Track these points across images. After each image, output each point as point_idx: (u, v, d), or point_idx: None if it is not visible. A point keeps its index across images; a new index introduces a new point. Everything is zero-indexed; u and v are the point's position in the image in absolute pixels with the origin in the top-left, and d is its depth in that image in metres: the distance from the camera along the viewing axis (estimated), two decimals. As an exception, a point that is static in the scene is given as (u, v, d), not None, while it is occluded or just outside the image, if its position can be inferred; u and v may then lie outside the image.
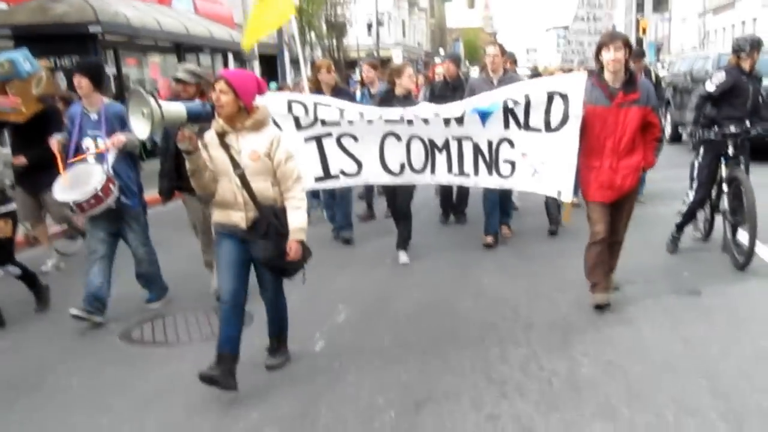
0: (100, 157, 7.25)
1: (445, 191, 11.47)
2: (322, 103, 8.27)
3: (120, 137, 7.18)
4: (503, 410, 5.20)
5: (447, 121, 8.13)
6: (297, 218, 5.59)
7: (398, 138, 8.36)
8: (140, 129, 5.29)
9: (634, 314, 7.07)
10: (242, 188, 5.47)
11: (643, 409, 5.10)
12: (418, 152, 8.43)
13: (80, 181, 7.07)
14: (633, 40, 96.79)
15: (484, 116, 7.98)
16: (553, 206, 10.49)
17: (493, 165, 8.21)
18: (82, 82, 7.22)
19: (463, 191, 11.40)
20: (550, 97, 7.53)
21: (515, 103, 7.77)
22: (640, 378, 5.59)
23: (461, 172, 8.41)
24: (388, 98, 9.34)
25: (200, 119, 5.50)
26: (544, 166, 7.76)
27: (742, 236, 8.45)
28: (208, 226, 7.41)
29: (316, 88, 9.96)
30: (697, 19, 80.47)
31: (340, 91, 10.15)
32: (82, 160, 7.27)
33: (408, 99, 9.25)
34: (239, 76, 5.55)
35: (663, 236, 9.32)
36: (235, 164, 5.43)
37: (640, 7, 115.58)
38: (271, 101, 7.37)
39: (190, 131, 5.26)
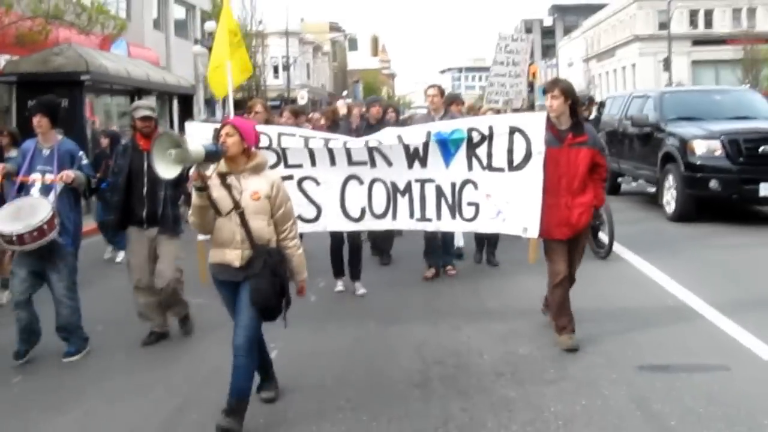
0: (46, 191, 7.28)
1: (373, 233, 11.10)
2: (286, 132, 8.26)
3: (69, 173, 7.27)
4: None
5: (411, 162, 8.14)
6: (300, 259, 5.93)
7: (360, 182, 8.27)
8: (165, 169, 5.38)
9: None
10: (241, 226, 5.65)
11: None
12: (379, 196, 8.29)
13: (23, 213, 6.99)
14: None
15: (447, 155, 8.05)
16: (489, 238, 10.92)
17: (456, 208, 8.12)
18: (42, 121, 7.37)
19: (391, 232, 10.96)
20: (512, 133, 7.72)
21: (480, 134, 7.88)
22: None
23: (423, 217, 8.26)
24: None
25: (214, 158, 5.62)
26: (509, 206, 7.82)
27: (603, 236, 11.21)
28: (151, 268, 7.91)
29: None
30: (582, 63, 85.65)
31: None
32: (27, 188, 7.32)
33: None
34: (243, 122, 5.94)
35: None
36: (236, 203, 5.65)
37: (531, 53, 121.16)
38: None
39: (203, 170, 5.51)
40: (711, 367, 6.73)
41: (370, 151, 8.14)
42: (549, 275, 7.53)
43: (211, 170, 5.64)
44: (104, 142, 13.20)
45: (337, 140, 8.30)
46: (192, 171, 5.67)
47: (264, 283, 5.57)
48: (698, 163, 14.08)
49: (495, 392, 6.33)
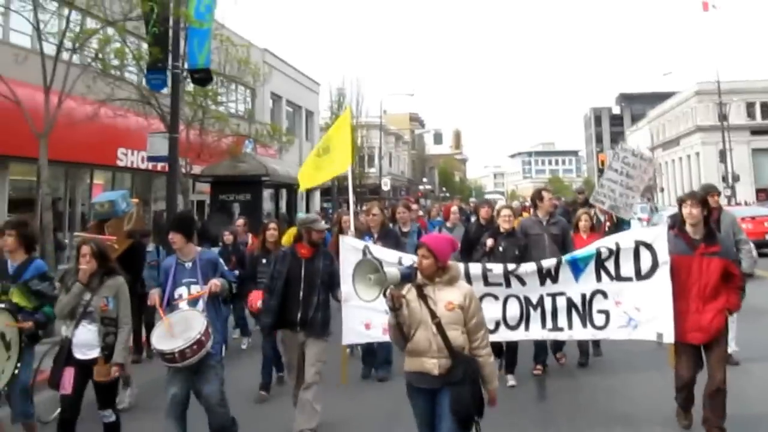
0: (194, 304, 7.37)
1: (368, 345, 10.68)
2: None
3: (217, 282, 7.39)
4: None
5: (543, 280, 8.46)
6: (492, 368, 5.98)
7: (495, 298, 8.55)
8: (365, 291, 5.84)
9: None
10: (438, 335, 5.82)
11: None
12: (513, 310, 8.55)
13: (178, 329, 7.04)
14: (595, 171, 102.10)
15: (577, 270, 8.37)
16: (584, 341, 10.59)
17: (587, 317, 8.33)
18: (175, 238, 7.53)
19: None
20: (637, 247, 8.05)
21: (608, 250, 8.26)
22: None
23: (555, 327, 8.48)
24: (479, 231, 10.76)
25: (409, 280, 5.97)
26: (639, 313, 8.02)
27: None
28: (301, 365, 8.19)
29: (367, 228, 10.75)
30: (648, 153, 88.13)
31: (388, 232, 10.88)
32: (176, 307, 7.41)
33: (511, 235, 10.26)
34: (437, 241, 6.18)
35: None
36: (433, 314, 5.85)
37: (599, 139, 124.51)
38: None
39: (398, 291, 5.86)
40: None
41: (507, 274, 8.59)
42: (675, 378, 7.73)
43: (405, 289, 5.98)
44: (229, 238, 13.55)
45: (477, 267, 8.72)
46: (387, 292, 5.87)
47: (464, 392, 5.74)
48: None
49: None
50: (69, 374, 7.21)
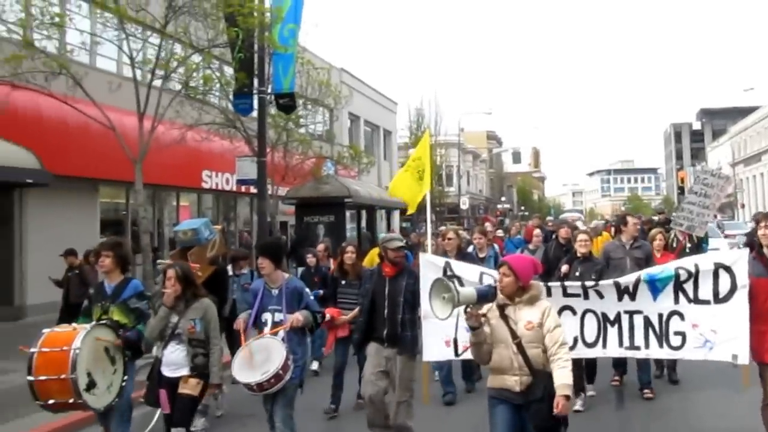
0: (275, 334, 7.49)
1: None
2: None
3: (299, 317, 7.51)
4: None
5: (620, 296, 8.46)
6: (564, 376, 5.92)
7: (573, 312, 8.55)
8: (440, 310, 6.00)
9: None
10: (518, 354, 5.96)
11: None
12: (591, 326, 8.57)
13: (258, 359, 7.24)
14: (674, 188, 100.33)
15: (655, 290, 8.35)
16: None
17: (663, 337, 8.33)
18: (264, 263, 7.70)
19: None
20: (717, 269, 8.04)
21: (687, 272, 8.23)
22: None
23: (632, 346, 8.50)
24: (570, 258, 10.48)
25: (486, 299, 6.06)
26: (716, 335, 8.01)
27: None
28: (383, 382, 8.41)
29: (443, 253, 10.60)
30: (729, 168, 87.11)
31: (464, 255, 10.88)
32: (261, 336, 7.52)
33: (587, 260, 10.34)
34: (519, 261, 6.31)
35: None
36: (513, 333, 5.98)
37: (679, 155, 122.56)
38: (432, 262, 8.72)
39: (476, 310, 5.96)
40: None
41: (585, 288, 8.65)
42: (764, 395, 7.63)
43: (485, 309, 6.10)
44: (312, 260, 13.63)
45: (556, 283, 8.85)
46: (467, 310, 6.00)
47: (545, 408, 5.85)
48: None
49: None
50: (164, 395, 7.40)
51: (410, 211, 11.80)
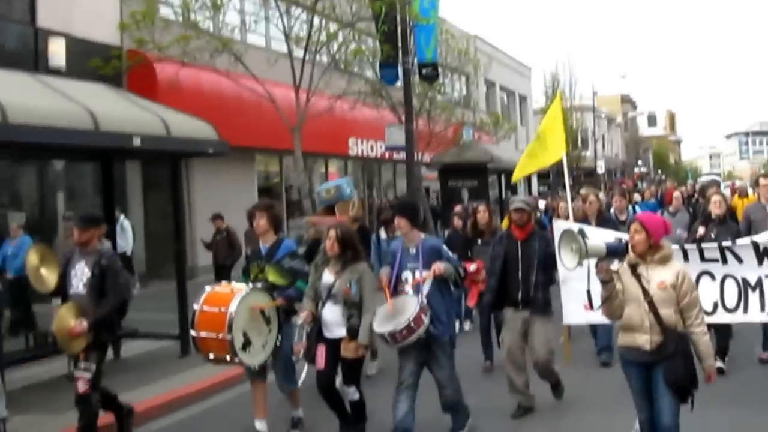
0: (417, 290, 7.47)
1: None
2: None
3: (440, 266, 7.40)
4: None
5: (760, 260, 8.30)
6: (705, 343, 6.03)
7: (712, 277, 8.43)
8: (568, 261, 6.13)
9: None
10: (650, 313, 5.92)
11: None
12: (731, 291, 8.39)
13: (396, 313, 7.27)
14: None
15: None
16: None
17: None
18: (401, 223, 7.68)
19: None
20: None
21: None
22: None
23: None
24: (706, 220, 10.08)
25: (616, 254, 6.04)
26: None
27: None
28: (522, 344, 8.42)
29: (583, 216, 10.67)
30: None
31: (605, 219, 10.67)
32: (401, 292, 7.55)
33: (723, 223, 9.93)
34: (650, 219, 6.23)
35: None
36: (645, 292, 5.94)
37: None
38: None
39: (606, 264, 5.95)
40: None
41: (722, 250, 8.51)
42: None
43: (616, 265, 6.08)
44: (459, 223, 13.70)
45: (692, 246, 8.80)
46: (598, 264, 6.02)
47: (678, 365, 5.84)
48: None
49: None
50: (321, 351, 7.61)
51: (514, 177, 11.67)
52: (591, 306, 8.37)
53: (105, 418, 7.98)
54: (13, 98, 9.54)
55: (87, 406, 7.41)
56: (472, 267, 8.58)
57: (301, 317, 7.82)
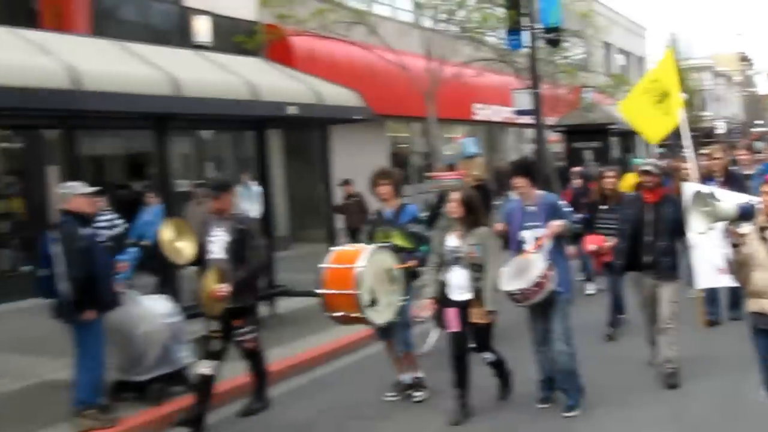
0: (539, 249, 7.42)
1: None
2: None
3: (558, 223, 7.41)
4: None
5: None
6: None
7: None
8: (697, 222, 6.02)
9: None
10: None
11: None
12: None
13: (522, 270, 7.27)
14: None
15: None
16: None
17: None
18: (520, 182, 7.65)
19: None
20: None
21: None
22: None
23: None
24: None
25: (747, 217, 5.81)
26: None
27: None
28: (653, 307, 8.29)
29: (709, 173, 10.17)
30: None
31: (732, 176, 10.25)
32: (522, 252, 7.49)
33: None
34: None
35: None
36: None
37: None
38: None
39: (735, 227, 5.78)
40: None
41: None
42: None
43: (747, 228, 5.80)
44: (578, 182, 13.57)
45: None
46: (728, 227, 5.86)
47: None
48: None
49: None
50: (454, 314, 7.52)
51: (652, 141, 11.27)
52: (723, 270, 7.66)
53: (240, 378, 8.43)
54: (184, 73, 10.43)
55: (257, 356, 8.08)
56: (591, 247, 9.04)
57: (425, 307, 7.81)
